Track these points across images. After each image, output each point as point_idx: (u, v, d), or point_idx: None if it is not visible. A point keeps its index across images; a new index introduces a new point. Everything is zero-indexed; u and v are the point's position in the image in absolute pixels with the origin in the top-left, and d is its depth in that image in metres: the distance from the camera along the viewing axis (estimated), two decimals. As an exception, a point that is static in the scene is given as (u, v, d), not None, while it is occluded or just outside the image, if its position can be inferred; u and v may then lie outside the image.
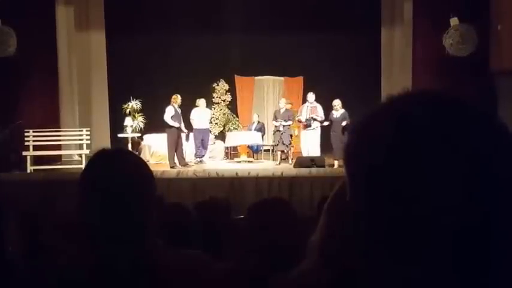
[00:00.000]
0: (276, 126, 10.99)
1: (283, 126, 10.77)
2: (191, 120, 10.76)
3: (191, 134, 11.06)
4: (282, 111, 11.03)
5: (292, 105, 12.48)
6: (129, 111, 12.05)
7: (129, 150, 1.99)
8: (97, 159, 1.37)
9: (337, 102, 10.48)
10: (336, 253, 0.68)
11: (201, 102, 11.02)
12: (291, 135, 10.96)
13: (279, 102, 11.63)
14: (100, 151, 1.39)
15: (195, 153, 10.94)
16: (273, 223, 2.19)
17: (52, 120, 10.95)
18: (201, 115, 10.85)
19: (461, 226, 0.55)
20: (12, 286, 1.43)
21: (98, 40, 12.72)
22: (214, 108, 13.39)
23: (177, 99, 10.41)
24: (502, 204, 0.55)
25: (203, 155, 11.00)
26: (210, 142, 11.54)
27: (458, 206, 0.55)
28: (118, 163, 1.35)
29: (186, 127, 10.61)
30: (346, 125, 10.14)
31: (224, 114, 13.51)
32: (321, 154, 10.36)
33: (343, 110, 10.36)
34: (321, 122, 10.63)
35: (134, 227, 1.30)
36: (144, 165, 1.40)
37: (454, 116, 0.59)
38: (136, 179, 1.32)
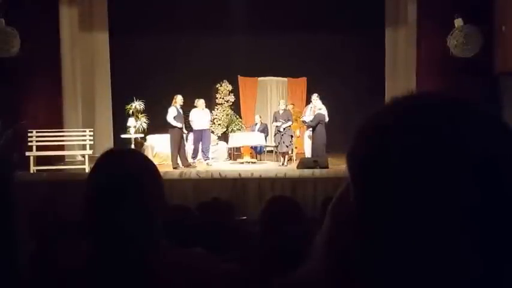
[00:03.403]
0: (277, 127, 11.01)
1: (284, 128, 10.79)
2: (190, 122, 10.72)
3: (191, 135, 11.05)
4: (281, 112, 11.06)
5: (294, 106, 12.50)
6: (132, 112, 12.07)
7: (138, 150, 1.99)
8: (105, 158, 1.37)
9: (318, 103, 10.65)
10: (340, 254, 0.68)
11: (200, 102, 10.96)
12: (292, 136, 10.97)
13: (278, 104, 11.66)
14: (109, 150, 1.39)
15: (191, 155, 10.91)
16: (282, 223, 2.19)
17: (55, 121, 10.98)
18: (200, 116, 10.82)
19: (463, 228, 0.55)
20: (18, 285, 1.43)
21: (101, 40, 12.77)
22: (218, 109, 13.40)
23: (177, 99, 10.42)
24: (507, 205, 0.55)
25: (208, 157, 10.94)
26: (212, 143, 11.52)
27: (461, 209, 0.54)
28: (126, 162, 1.36)
29: (186, 128, 10.59)
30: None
31: (227, 115, 13.51)
32: (324, 155, 10.37)
33: (319, 112, 10.40)
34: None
35: (141, 226, 1.30)
36: (152, 165, 1.41)
37: (458, 118, 0.58)
38: (144, 179, 1.33)
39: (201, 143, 10.80)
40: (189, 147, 11.03)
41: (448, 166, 0.55)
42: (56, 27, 11.24)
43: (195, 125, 10.70)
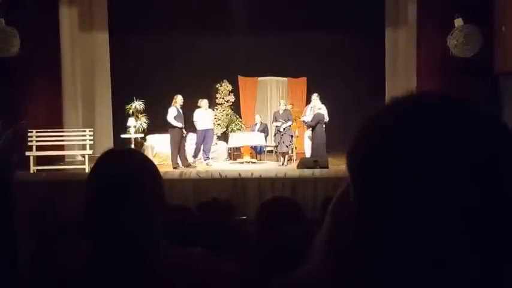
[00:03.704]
0: (276, 127, 11.01)
1: (284, 128, 10.79)
2: (194, 122, 10.71)
3: (190, 135, 11.04)
4: (281, 112, 11.08)
5: (294, 106, 12.50)
6: (132, 112, 12.07)
7: (138, 150, 1.99)
8: (105, 158, 1.37)
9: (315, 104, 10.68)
10: (340, 254, 0.68)
11: (204, 103, 10.96)
12: (292, 136, 10.98)
13: (279, 104, 11.66)
14: (109, 150, 1.39)
15: (192, 154, 10.88)
16: (282, 223, 2.18)
17: (55, 121, 10.98)
18: (204, 116, 10.81)
19: (463, 228, 0.55)
20: (18, 285, 1.43)
21: (101, 40, 12.77)
22: (217, 109, 13.39)
23: (178, 99, 10.42)
24: (507, 205, 0.55)
25: (208, 157, 10.93)
26: (212, 143, 11.52)
27: (462, 209, 0.54)
28: (126, 162, 1.36)
29: (186, 128, 10.57)
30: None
31: (227, 115, 13.51)
32: (324, 155, 10.37)
33: (318, 112, 10.42)
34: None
35: (141, 226, 1.30)
36: (152, 165, 1.41)
37: (458, 117, 0.58)
38: (144, 179, 1.33)
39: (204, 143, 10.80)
40: (188, 147, 11.03)
41: (448, 166, 0.55)
42: (56, 27, 11.24)
43: (199, 125, 10.68)
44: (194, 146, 10.99)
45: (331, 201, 0.74)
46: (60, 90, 11.43)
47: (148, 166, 1.38)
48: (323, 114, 10.46)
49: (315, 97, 10.82)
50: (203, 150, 10.90)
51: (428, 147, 0.56)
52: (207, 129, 10.81)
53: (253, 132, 11.92)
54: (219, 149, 12.22)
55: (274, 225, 2.18)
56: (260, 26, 12.95)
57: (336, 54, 13.37)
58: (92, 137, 10.62)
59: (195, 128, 10.84)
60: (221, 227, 3.25)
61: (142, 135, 11.73)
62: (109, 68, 12.93)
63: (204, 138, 10.74)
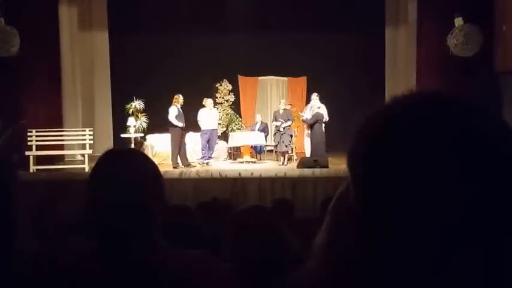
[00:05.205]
0: (276, 126, 11.01)
1: (283, 127, 10.79)
2: (198, 121, 10.68)
3: (192, 135, 11.03)
4: (281, 111, 11.08)
5: (292, 106, 12.50)
6: (132, 111, 12.07)
7: (138, 150, 1.99)
8: (106, 159, 1.37)
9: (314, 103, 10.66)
10: (340, 254, 0.68)
11: (208, 102, 10.94)
12: (291, 136, 10.98)
13: (279, 103, 11.67)
14: (109, 150, 1.40)
15: (202, 156, 10.88)
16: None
17: (55, 120, 10.97)
18: (209, 115, 10.78)
19: (464, 228, 0.55)
20: (20, 284, 1.43)
21: (101, 40, 12.77)
22: (217, 108, 13.40)
23: (179, 99, 10.41)
24: (508, 205, 0.55)
25: (210, 157, 10.92)
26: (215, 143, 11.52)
27: (462, 209, 0.54)
28: (127, 162, 1.35)
29: (187, 128, 10.55)
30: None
31: (227, 114, 13.51)
32: (324, 154, 10.37)
33: (318, 111, 10.44)
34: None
35: (141, 226, 1.30)
36: (152, 165, 1.41)
37: (458, 117, 0.58)
38: (144, 179, 1.33)
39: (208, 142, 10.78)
40: (189, 146, 11.02)
41: (449, 166, 0.55)
42: (56, 27, 11.23)
43: (203, 125, 10.65)
44: (195, 146, 10.96)
45: (331, 201, 0.73)
46: (60, 89, 11.42)
47: (149, 166, 1.38)
48: (322, 114, 10.46)
49: (315, 96, 10.83)
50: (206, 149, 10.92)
51: (429, 147, 0.56)
52: (213, 129, 10.80)
53: (253, 132, 11.91)
54: (219, 148, 12.22)
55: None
56: (260, 25, 12.95)
57: (336, 54, 13.38)
58: (91, 137, 10.62)
59: (196, 128, 10.82)
60: (221, 227, 3.25)
61: (142, 134, 11.73)
62: (109, 68, 12.93)
63: (209, 137, 10.72)
